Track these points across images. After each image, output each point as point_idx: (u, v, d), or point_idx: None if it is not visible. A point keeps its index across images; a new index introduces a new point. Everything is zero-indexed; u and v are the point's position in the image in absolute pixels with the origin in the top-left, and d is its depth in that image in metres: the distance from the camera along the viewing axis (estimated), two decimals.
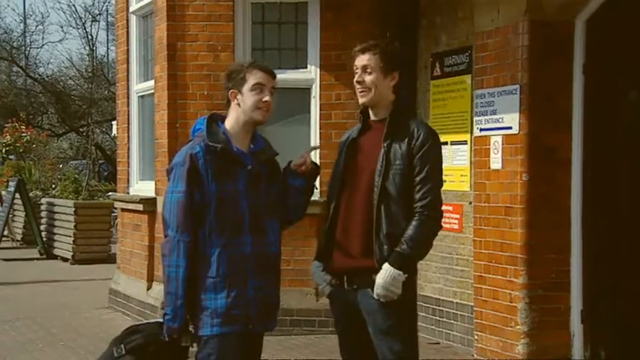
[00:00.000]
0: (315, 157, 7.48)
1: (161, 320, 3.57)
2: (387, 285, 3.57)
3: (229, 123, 3.65)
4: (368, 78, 3.70)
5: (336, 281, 3.76)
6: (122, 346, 3.61)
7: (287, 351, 6.75)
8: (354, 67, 3.77)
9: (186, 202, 3.51)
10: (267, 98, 3.62)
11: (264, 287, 3.60)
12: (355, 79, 3.74)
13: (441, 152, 3.76)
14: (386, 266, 3.58)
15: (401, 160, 3.63)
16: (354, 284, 3.70)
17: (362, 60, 3.72)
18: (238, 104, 3.62)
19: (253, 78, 3.60)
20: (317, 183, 7.34)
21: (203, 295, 3.52)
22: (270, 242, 3.64)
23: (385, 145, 3.65)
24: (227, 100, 3.67)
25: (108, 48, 28.29)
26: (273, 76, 3.69)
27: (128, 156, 8.76)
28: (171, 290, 3.51)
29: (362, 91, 3.73)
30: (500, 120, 6.23)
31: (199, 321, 3.53)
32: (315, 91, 7.48)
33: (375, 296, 3.60)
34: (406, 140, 3.64)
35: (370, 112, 3.81)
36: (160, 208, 7.19)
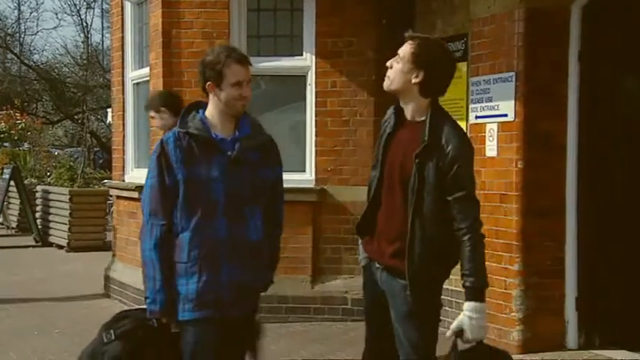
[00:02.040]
0: (311, 145, 7.49)
1: None
2: (480, 322, 3.48)
3: (209, 111, 3.67)
4: (394, 67, 3.61)
5: (369, 257, 3.79)
6: (111, 331, 3.63)
7: (282, 338, 6.76)
8: None
9: (158, 187, 3.57)
10: (246, 94, 3.61)
11: (240, 273, 3.59)
12: (386, 64, 3.64)
13: (472, 163, 3.64)
14: (469, 306, 3.48)
15: (432, 179, 3.52)
16: (381, 264, 3.72)
17: (400, 50, 3.61)
18: (215, 96, 3.61)
19: (232, 75, 3.58)
20: (312, 171, 7.45)
21: (176, 280, 3.55)
22: (249, 229, 3.63)
23: (417, 162, 3.52)
24: (202, 86, 3.66)
25: (103, 35, 28.29)
26: (249, 64, 3.66)
27: (123, 143, 8.74)
28: (148, 274, 3.55)
29: (386, 77, 3.64)
30: (496, 107, 6.23)
31: (173, 305, 3.56)
32: (311, 79, 7.46)
33: (470, 340, 3.49)
34: (435, 159, 3.51)
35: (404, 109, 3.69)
36: None
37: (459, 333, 3.49)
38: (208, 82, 3.61)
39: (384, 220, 3.70)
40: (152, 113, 5.82)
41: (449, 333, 3.51)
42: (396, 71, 3.59)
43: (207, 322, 3.54)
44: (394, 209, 3.64)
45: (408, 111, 3.64)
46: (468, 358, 3.49)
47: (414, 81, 3.56)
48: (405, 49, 3.58)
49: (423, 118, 3.59)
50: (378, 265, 3.72)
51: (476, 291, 3.51)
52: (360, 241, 3.89)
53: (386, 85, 3.65)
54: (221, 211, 3.56)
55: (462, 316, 3.50)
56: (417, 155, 3.53)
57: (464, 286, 3.53)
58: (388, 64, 3.63)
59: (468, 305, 3.50)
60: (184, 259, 3.53)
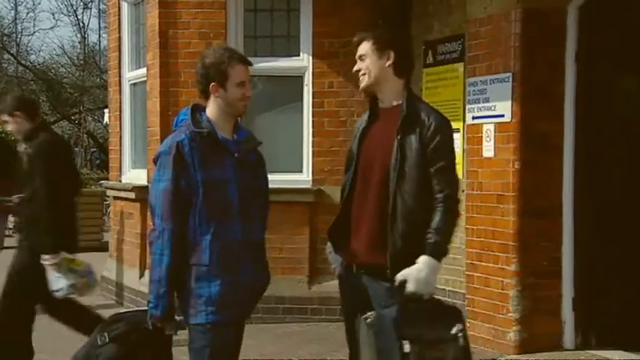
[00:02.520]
0: (308, 145, 7.49)
1: (146, 308, 3.57)
2: (429, 278, 3.51)
3: (211, 113, 3.64)
4: (363, 64, 3.75)
5: (347, 263, 3.80)
6: (105, 334, 3.61)
7: (279, 339, 6.77)
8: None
9: (173, 190, 3.50)
10: (249, 94, 3.63)
11: (254, 273, 3.61)
12: (354, 70, 3.79)
13: (452, 139, 3.75)
14: (424, 259, 3.53)
15: (414, 153, 3.59)
16: (361, 270, 3.72)
17: (358, 51, 3.78)
18: (219, 97, 3.61)
19: (236, 75, 3.58)
20: (309, 171, 7.45)
21: (195, 283, 3.51)
22: (255, 228, 3.65)
23: (398, 138, 3.61)
24: (203, 88, 3.65)
25: (100, 35, 28.33)
26: (250, 64, 3.68)
27: (120, 144, 8.74)
28: (154, 278, 3.51)
29: (361, 76, 3.77)
30: (493, 108, 6.23)
31: (192, 309, 3.53)
32: (308, 79, 7.46)
33: (411, 292, 3.50)
34: (417, 131, 3.60)
35: (379, 100, 3.80)
36: None
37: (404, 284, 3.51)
38: (212, 83, 3.60)
39: (357, 218, 3.73)
40: (5, 117, 5.53)
41: (396, 280, 3.53)
42: (368, 65, 3.73)
43: (229, 324, 3.54)
44: (368, 201, 3.68)
45: (385, 97, 3.75)
46: (412, 309, 3.49)
47: (387, 64, 3.70)
48: (365, 46, 3.75)
49: (400, 102, 3.71)
50: (355, 271, 3.74)
51: (435, 247, 3.56)
52: (330, 248, 3.90)
53: (364, 82, 3.76)
54: (236, 212, 3.55)
55: (413, 266, 3.53)
56: (399, 130, 3.62)
57: (426, 242, 3.55)
58: (355, 68, 3.77)
59: (421, 258, 3.53)
60: (206, 261, 3.50)
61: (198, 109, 3.68)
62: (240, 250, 3.55)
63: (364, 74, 3.74)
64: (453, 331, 3.49)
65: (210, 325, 3.51)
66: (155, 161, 3.63)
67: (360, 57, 3.75)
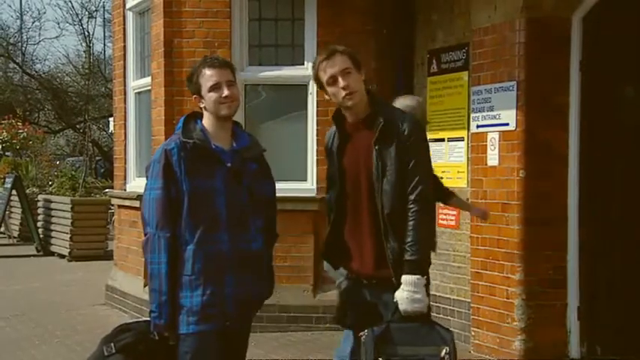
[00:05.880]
0: (312, 154, 7.49)
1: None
2: (413, 296, 3.52)
3: (205, 122, 3.67)
4: (351, 80, 3.65)
5: (353, 275, 3.78)
6: (112, 344, 3.60)
7: (284, 348, 6.75)
8: (326, 77, 3.67)
9: (164, 198, 3.52)
10: (225, 93, 3.59)
11: (244, 284, 3.59)
12: (341, 86, 3.64)
13: (426, 141, 3.77)
14: (404, 279, 3.54)
15: (393, 158, 3.60)
16: (373, 280, 3.72)
17: (338, 64, 3.64)
18: (204, 106, 3.63)
19: (206, 80, 3.60)
20: (313, 180, 7.44)
21: (180, 292, 3.53)
22: (251, 239, 3.62)
23: (377, 148, 3.62)
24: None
25: (105, 44, 28.33)
26: (226, 66, 3.65)
27: (125, 152, 8.75)
28: (154, 287, 3.52)
29: (349, 95, 3.65)
30: (497, 116, 6.23)
31: (177, 319, 3.54)
32: (312, 88, 7.45)
33: (403, 314, 3.54)
34: (394, 137, 3.61)
35: (348, 114, 3.76)
36: None
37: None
38: (194, 96, 3.66)
39: (355, 235, 3.71)
40: None
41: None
42: (356, 81, 3.66)
43: (208, 335, 3.53)
44: (362, 216, 3.67)
45: (356, 112, 3.72)
46: (397, 328, 3.52)
47: (363, 78, 3.70)
48: (345, 61, 3.65)
49: (367, 113, 3.69)
50: (365, 282, 3.73)
51: (412, 264, 3.55)
52: (328, 267, 3.88)
53: (355, 99, 3.67)
54: (224, 224, 3.55)
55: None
56: (376, 140, 3.61)
57: (405, 261, 3.57)
58: (343, 83, 3.62)
59: (403, 277, 3.55)
60: (189, 271, 3.52)
61: (194, 117, 3.69)
62: (226, 261, 3.54)
63: (355, 92, 3.64)
64: (442, 353, 3.47)
65: (190, 335, 3.52)
66: (147, 170, 3.64)
67: (346, 70, 3.63)
